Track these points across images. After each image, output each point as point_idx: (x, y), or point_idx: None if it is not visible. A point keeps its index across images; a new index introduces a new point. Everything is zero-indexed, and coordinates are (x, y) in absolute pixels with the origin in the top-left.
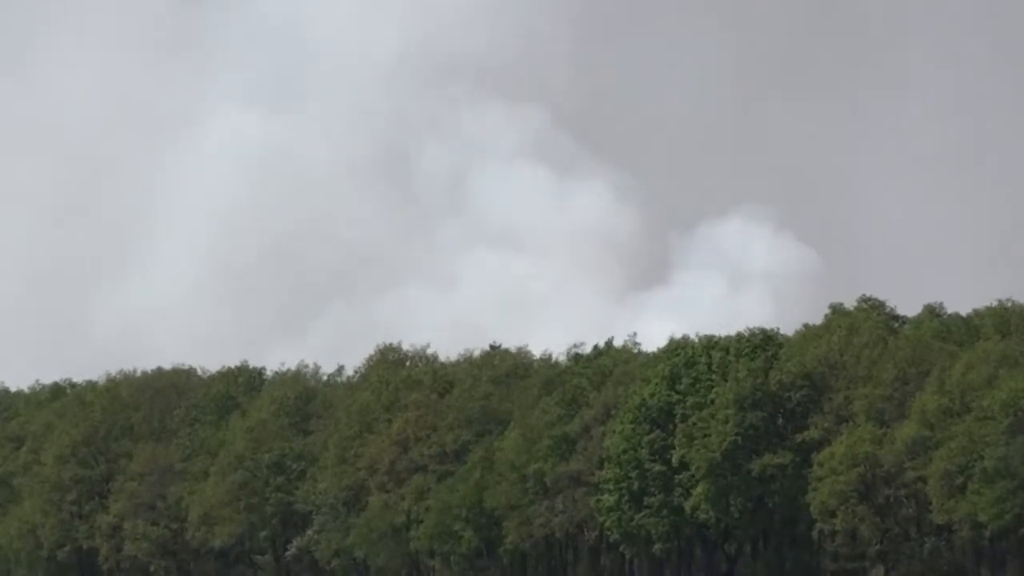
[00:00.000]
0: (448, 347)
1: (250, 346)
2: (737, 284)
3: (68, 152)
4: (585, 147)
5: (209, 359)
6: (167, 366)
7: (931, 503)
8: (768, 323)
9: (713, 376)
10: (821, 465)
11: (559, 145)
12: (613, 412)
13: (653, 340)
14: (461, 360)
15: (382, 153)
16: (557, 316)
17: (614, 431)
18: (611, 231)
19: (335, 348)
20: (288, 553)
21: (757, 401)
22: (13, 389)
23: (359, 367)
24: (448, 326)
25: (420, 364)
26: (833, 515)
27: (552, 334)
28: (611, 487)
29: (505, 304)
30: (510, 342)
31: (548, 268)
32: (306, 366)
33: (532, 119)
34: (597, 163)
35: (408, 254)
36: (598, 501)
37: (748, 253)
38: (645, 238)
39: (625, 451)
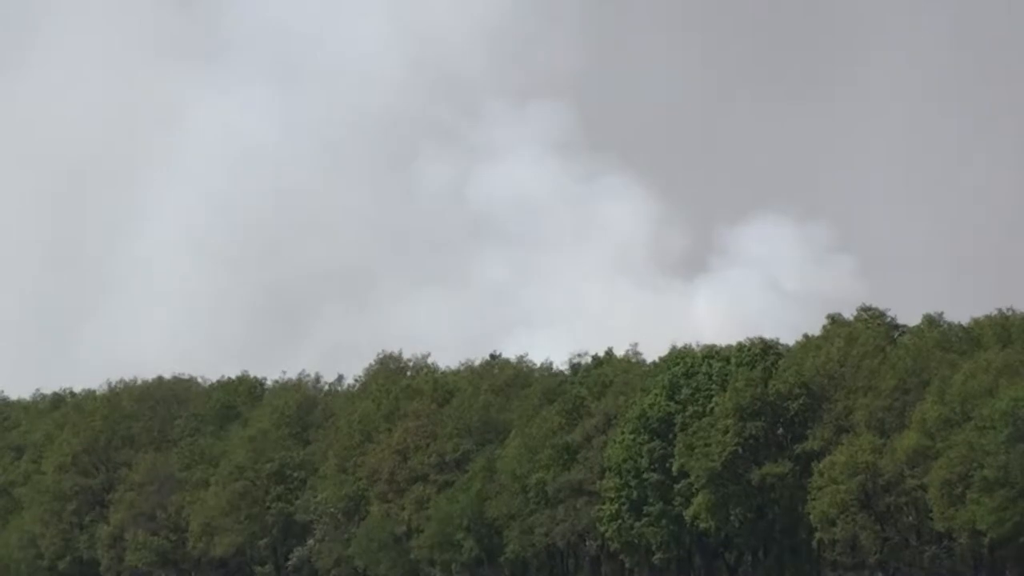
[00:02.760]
0: (467, 351)
1: (251, 352)
2: (772, 288)
3: (64, 155)
4: (594, 145)
5: (208, 366)
6: (167, 375)
7: (931, 512)
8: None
9: (713, 386)
10: (821, 474)
11: (570, 143)
12: (614, 422)
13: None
14: (461, 369)
15: (386, 153)
16: (575, 318)
17: (614, 441)
18: (625, 230)
19: (337, 354)
20: (288, 563)
21: (757, 411)
22: (14, 399)
23: (359, 376)
24: (456, 329)
25: (420, 373)
26: (833, 524)
27: (576, 336)
28: (611, 496)
29: (519, 304)
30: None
31: (562, 267)
32: (307, 375)
33: (542, 117)
34: (606, 162)
35: (415, 255)
36: (599, 510)
37: (775, 257)
38: (662, 237)
39: (625, 460)
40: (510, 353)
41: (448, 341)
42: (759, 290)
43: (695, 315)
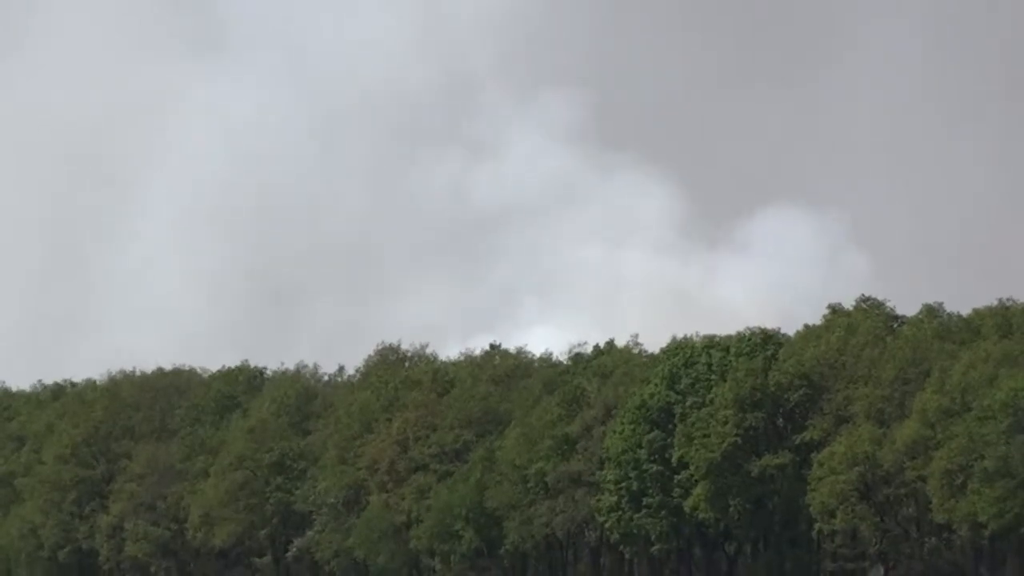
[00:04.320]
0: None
1: (250, 341)
2: (778, 278)
3: (62, 148)
4: (604, 136)
5: (208, 355)
6: (167, 366)
7: (931, 503)
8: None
9: (712, 376)
10: (821, 465)
11: (579, 134)
12: (614, 412)
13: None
14: (461, 359)
15: (391, 142)
16: (586, 306)
17: (614, 431)
18: (637, 219)
19: (339, 343)
20: (288, 553)
21: (756, 401)
22: (14, 389)
23: (359, 367)
24: (468, 317)
25: (420, 364)
26: (833, 515)
27: (585, 325)
28: (611, 487)
29: (529, 293)
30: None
31: (571, 257)
32: (306, 366)
33: (550, 108)
34: (615, 152)
35: (424, 244)
36: (598, 501)
37: (781, 249)
38: (674, 225)
39: (625, 451)
40: (511, 344)
41: (459, 329)
42: (767, 280)
43: (705, 303)
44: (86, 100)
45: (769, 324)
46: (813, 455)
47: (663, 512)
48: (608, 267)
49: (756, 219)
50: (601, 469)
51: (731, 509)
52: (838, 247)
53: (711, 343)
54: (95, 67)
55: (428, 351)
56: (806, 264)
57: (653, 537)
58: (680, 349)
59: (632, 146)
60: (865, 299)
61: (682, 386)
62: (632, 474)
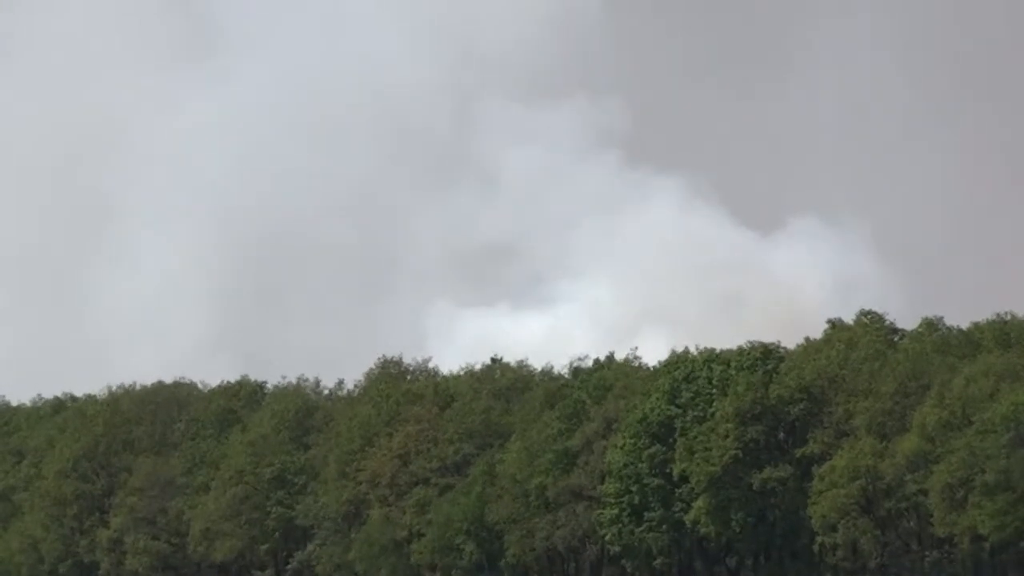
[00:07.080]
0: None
1: (253, 357)
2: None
3: (60, 159)
4: (619, 146)
5: (208, 370)
6: (167, 380)
7: (932, 516)
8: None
9: (713, 390)
10: (822, 479)
11: (586, 144)
12: (614, 426)
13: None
14: (462, 373)
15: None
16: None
17: (615, 445)
18: (657, 233)
19: (342, 357)
20: (289, 567)
21: (757, 415)
22: (14, 403)
23: (359, 381)
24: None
25: (421, 378)
26: (834, 529)
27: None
28: (612, 501)
29: (549, 305)
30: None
31: (584, 275)
32: (306, 380)
33: (559, 119)
34: (631, 163)
35: (436, 252)
36: (599, 515)
37: (781, 261)
38: (694, 239)
39: (626, 465)
40: (511, 357)
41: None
42: (787, 290)
43: (733, 313)
44: (81, 108)
45: (791, 335)
46: (814, 468)
47: (664, 526)
48: (620, 275)
49: (781, 231)
50: (602, 483)
51: (732, 523)
52: (850, 258)
53: (711, 357)
54: (89, 74)
55: (430, 365)
56: (817, 276)
57: (654, 551)
58: (680, 363)
59: (651, 157)
60: (865, 313)
61: (683, 400)
62: (633, 488)
